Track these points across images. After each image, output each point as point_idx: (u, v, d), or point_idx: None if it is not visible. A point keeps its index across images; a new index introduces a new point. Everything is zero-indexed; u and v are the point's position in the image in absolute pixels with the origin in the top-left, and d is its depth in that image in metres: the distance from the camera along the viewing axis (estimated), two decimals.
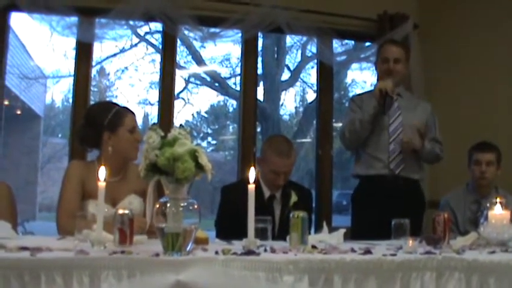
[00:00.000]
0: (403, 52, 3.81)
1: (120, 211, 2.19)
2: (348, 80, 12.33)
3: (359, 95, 4.08)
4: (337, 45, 5.46)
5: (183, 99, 11.93)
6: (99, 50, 10.26)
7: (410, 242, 2.24)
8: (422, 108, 3.85)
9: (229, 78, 11.59)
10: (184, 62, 10.93)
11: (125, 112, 2.92)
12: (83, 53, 4.58)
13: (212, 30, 4.77)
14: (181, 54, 10.39)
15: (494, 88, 4.71)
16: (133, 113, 2.95)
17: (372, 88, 3.97)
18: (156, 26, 6.31)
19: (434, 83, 4.93)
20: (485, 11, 4.81)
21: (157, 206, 2.00)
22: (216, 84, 11.84)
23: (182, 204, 1.99)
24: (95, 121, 2.88)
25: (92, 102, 4.62)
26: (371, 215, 3.57)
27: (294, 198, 3.30)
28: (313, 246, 2.25)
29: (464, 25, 4.93)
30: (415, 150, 3.64)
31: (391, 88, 3.62)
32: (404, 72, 3.85)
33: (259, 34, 5.10)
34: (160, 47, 5.08)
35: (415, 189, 3.78)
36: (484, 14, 4.82)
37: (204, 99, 16.11)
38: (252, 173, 2.18)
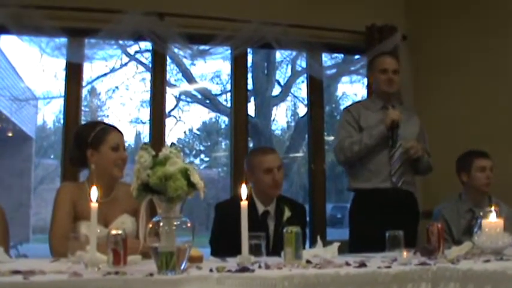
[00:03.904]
0: (398, 64, 3.87)
1: (114, 231, 2.17)
2: (339, 93, 12.39)
3: (353, 104, 4.07)
4: (326, 58, 5.48)
5: (175, 117, 11.96)
6: (89, 70, 10.32)
7: (405, 253, 2.24)
8: (414, 121, 3.90)
9: (220, 94, 11.63)
10: (175, 80, 10.97)
11: (109, 130, 2.90)
12: (73, 73, 4.58)
13: (202, 47, 4.78)
14: (172, 72, 10.41)
15: (483, 97, 4.73)
16: (119, 131, 2.93)
17: (365, 98, 3.96)
18: (146, 45, 6.36)
19: (424, 93, 4.96)
20: (472, 21, 4.85)
21: (151, 225, 1.99)
22: (207, 101, 11.86)
23: (175, 223, 1.98)
24: (81, 139, 2.88)
25: (83, 123, 4.61)
26: (371, 228, 3.53)
27: (287, 213, 3.29)
28: (308, 261, 2.25)
29: (451, 35, 4.96)
30: (417, 159, 3.68)
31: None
32: (400, 85, 3.91)
33: (249, 50, 5.13)
34: (150, 65, 5.09)
35: (412, 201, 3.82)
36: (470, 24, 4.85)
37: (195, 116, 16.07)
38: (243, 190, 2.18)
